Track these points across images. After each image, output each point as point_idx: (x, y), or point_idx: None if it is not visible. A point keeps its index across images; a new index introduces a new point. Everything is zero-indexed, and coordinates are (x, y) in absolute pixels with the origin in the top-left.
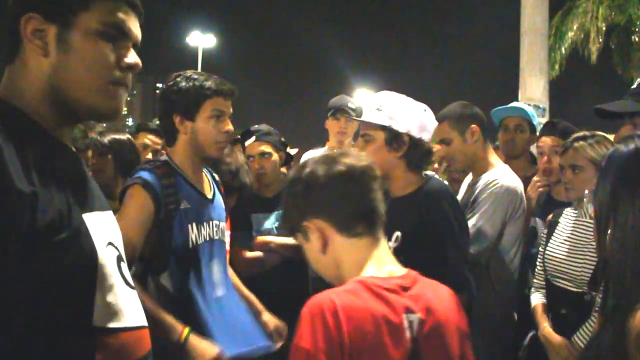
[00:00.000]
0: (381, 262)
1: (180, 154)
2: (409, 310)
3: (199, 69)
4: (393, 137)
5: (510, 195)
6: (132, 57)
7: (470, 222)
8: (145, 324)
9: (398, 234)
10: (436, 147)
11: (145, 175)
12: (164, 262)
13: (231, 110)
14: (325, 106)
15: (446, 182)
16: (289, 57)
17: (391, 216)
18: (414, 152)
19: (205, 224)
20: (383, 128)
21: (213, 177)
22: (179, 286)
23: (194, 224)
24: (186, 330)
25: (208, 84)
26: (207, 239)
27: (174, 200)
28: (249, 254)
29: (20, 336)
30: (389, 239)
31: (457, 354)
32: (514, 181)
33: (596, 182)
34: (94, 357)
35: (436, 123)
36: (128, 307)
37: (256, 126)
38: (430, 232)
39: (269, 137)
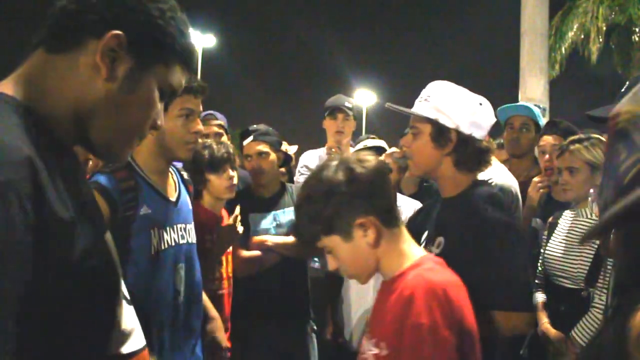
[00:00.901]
0: (416, 247)
1: (144, 155)
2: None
3: (199, 69)
4: (439, 132)
5: (504, 194)
6: (160, 120)
7: None
8: (145, 344)
9: (441, 239)
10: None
11: (101, 179)
12: (123, 272)
13: (201, 109)
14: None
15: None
16: (289, 57)
17: (437, 218)
18: (462, 150)
19: (169, 228)
20: (429, 121)
21: (181, 177)
22: (133, 293)
23: (155, 229)
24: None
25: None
26: (172, 243)
27: (132, 205)
28: (246, 254)
29: None
30: (432, 244)
31: None
32: (509, 180)
33: (601, 181)
34: None
35: (494, 119)
36: (133, 327)
37: (254, 126)
38: (472, 239)
39: (266, 137)
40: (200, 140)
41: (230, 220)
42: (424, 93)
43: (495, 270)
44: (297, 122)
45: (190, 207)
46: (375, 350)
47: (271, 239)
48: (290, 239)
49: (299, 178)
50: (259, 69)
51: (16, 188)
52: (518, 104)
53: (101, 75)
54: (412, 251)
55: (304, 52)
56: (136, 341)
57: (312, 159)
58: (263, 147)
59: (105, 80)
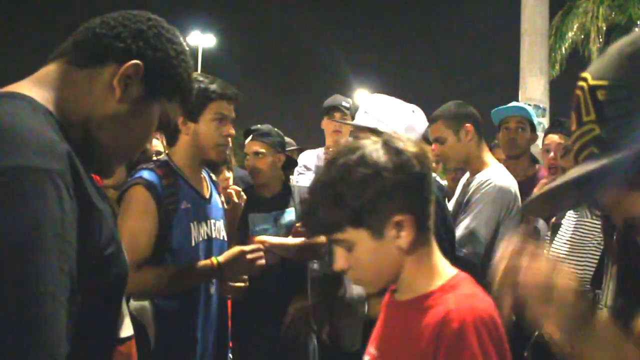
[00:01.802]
0: (445, 262)
1: (180, 155)
2: None
3: (199, 69)
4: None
5: (504, 195)
6: (151, 145)
7: (464, 224)
8: (133, 332)
9: None
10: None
11: (146, 175)
12: (159, 261)
13: (234, 114)
14: None
15: (445, 182)
16: (289, 57)
17: None
18: None
19: (203, 223)
20: (370, 130)
21: (210, 178)
22: None
23: (195, 223)
24: (214, 259)
25: (213, 87)
26: (205, 237)
27: (174, 200)
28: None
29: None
30: None
31: None
32: (508, 180)
33: None
34: None
35: (426, 124)
36: (127, 316)
37: (257, 126)
38: None
39: (265, 138)
40: None
41: (235, 199)
42: (363, 106)
43: None
44: (297, 122)
45: (221, 205)
46: None
47: (270, 240)
48: (290, 240)
49: (298, 178)
50: (259, 69)
51: (63, 176)
52: (512, 104)
53: (115, 96)
54: (444, 267)
55: (304, 52)
56: (129, 328)
57: (310, 158)
58: (260, 148)
59: (118, 101)
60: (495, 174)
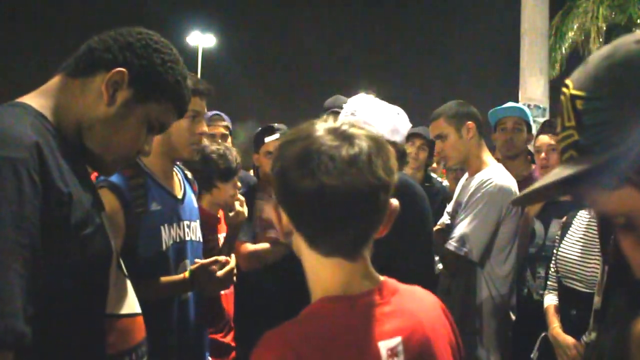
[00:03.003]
0: (350, 279)
1: (150, 154)
2: (388, 335)
3: (199, 69)
4: None
5: (504, 195)
6: (149, 147)
7: (464, 222)
8: (140, 311)
9: None
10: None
11: (112, 177)
12: (128, 266)
13: (206, 110)
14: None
15: (446, 182)
16: (289, 57)
17: None
18: None
19: (175, 224)
20: None
21: (185, 175)
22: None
23: (165, 225)
24: (186, 273)
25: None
26: (177, 240)
27: (142, 202)
28: (251, 247)
29: (45, 321)
30: None
31: None
32: (508, 180)
33: None
34: (105, 340)
35: (409, 125)
36: (127, 295)
37: (277, 125)
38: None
39: None
40: (211, 145)
41: (237, 207)
42: (349, 108)
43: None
44: (297, 122)
45: (196, 204)
46: None
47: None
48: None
49: None
50: (259, 69)
51: (26, 164)
52: (508, 105)
53: (103, 101)
54: (334, 287)
55: (304, 52)
56: (132, 306)
57: None
58: None
59: (106, 105)
60: (496, 174)
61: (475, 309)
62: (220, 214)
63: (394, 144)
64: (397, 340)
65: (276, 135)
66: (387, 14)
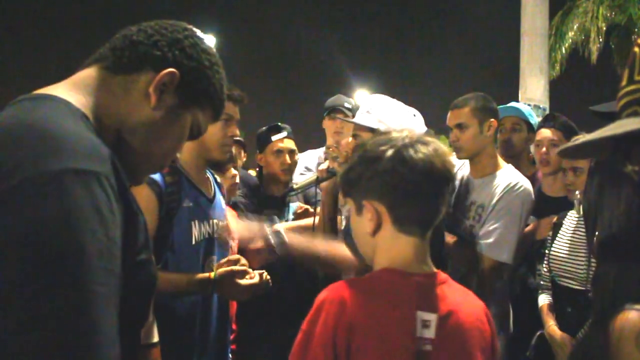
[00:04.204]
0: (416, 258)
1: (184, 154)
2: (423, 308)
3: None
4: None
5: (530, 198)
6: (180, 153)
7: (496, 226)
8: (158, 339)
9: None
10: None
11: None
12: (159, 258)
13: (239, 116)
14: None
15: None
16: (289, 57)
17: None
18: None
19: (205, 222)
20: (371, 130)
21: (215, 179)
22: None
23: (196, 222)
24: (212, 273)
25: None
26: (207, 236)
27: (176, 198)
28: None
29: None
30: None
31: None
32: (527, 182)
33: (586, 182)
34: None
35: (424, 129)
36: (154, 323)
37: (280, 124)
38: None
39: (292, 137)
40: None
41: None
42: (366, 106)
43: None
44: (297, 122)
45: (224, 206)
46: None
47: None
48: (297, 222)
49: (299, 179)
50: (259, 69)
51: (110, 179)
52: (507, 105)
53: (150, 103)
54: (400, 261)
55: (304, 52)
56: (156, 334)
57: (311, 159)
58: (294, 145)
59: (153, 108)
60: (520, 177)
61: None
62: (229, 212)
63: None
64: (432, 315)
65: (284, 134)
66: (387, 14)
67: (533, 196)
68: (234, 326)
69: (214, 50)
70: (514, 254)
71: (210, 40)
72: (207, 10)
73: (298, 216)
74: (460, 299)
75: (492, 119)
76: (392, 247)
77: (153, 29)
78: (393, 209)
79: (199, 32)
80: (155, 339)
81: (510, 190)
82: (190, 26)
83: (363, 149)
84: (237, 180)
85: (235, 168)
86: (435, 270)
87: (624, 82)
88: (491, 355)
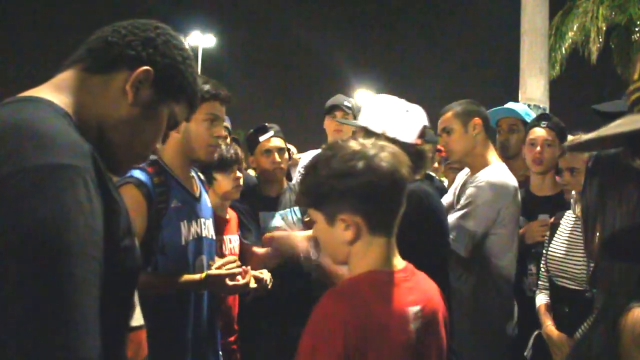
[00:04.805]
0: (389, 256)
1: (170, 153)
2: (412, 303)
3: (199, 69)
4: (369, 137)
5: (502, 192)
6: (160, 144)
7: (454, 216)
8: (143, 322)
9: None
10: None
11: (137, 173)
12: (149, 259)
13: (225, 117)
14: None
15: (446, 181)
16: (288, 57)
17: None
18: None
19: (193, 221)
20: (361, 128)
21: (199, 177)
22: None
23: (185, 222)
24: (202, 274)
25: (206, 87)
26: (195, 236)
27: (164, 199)
28: (260, 251)
29: None
30: None
31: (445, 341)
32: (508, 178)
33: (583, 183)
34: (125, 353)
35: (422, 123)
36: (138, 306)
37: (267, 124)
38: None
39: (281, 134)
40: None
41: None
42: (360, 106)
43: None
44: (297, 122)
45: (209, 204)
46: None
47: (278, 234)
48: (298, 233)
49: (300, 178)
50: (259, 69)
51: (90, 173)
52: (504, 106)
53: (127, 100)
54: (378, 262)
55: (304, 52)
56: (140, 318)
57: None
58: (282, 144)
59: (130, 104)
60: (496, 172)
61: (479, 308)
62: (230, 214)
63: (401, 143)
64: (417, 307)
65: (270, 133)
66: (387, 14)
67: (511, 190)
68: (235, 326)
69: (186, 45)
70: (466, 243)
71: (210, 40)
72: (207, 10)
73: (306, 225)
74: (428, 285)
75: (476, 118)
76: (368, 251)
77: (126, 29)
78: (369, 218)
79: (170, 30)
80: (141, 321)
81: (474, 183)
82: (162, 24)
83: (326, 164)
84: (241, 182)
85: (240, 170)
86: (404, 262)
87: (635, 76)
88: (449, 327)
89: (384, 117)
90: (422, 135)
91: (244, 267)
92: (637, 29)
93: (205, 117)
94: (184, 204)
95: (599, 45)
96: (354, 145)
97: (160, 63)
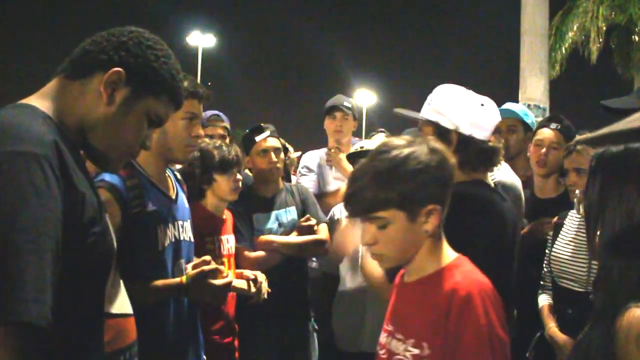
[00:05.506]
0: (449, 247)
1: (144, 154)
2: None
3: (199, 69)
4: (440, 134)
5: (513, 193)
6: (150, 141)
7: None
8: (132, 312)
9: None
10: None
11: (107, 177)
12: (125, 266)
13: (203, 115)
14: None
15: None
16: (289, 57)
17: None
18: (464, 150)
19: (170, 225)
20: (430, 123)
21: (175, 176)
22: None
23: (161, 226)
24: (184, 277)
25: (184, 84)
26: (173, 240)
27: (139, 202)
28: (253, 254)
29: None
30: None
31: None
32: (515, 179)
33: (586, 182)
34: (103, 338)
35: (498, 118)
36: (122, 295)
37: (263, 124)
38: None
39: (277, 135)
40: (208, 140)
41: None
42: (429, 97)
43: None
44: (297, 122)
45: (187, 205)
46: (416, 351)
47: (277, 239)
48: (294, 238)
49: (300, 179)
50: (259, 69)
51: (49, 160)
52: (502, 107)
53: (102, 101)
54: (448, 250)
55: (304, 52)
56: (125, 306)
57: (312, 160)
58: (278, 144)
59: (106, 104)
60: (504, 173)
61: None
62: (227, 215)
63: (471, 139)
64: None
65: (266, 133)
66: (387, 14)
67: (517, 190)
68: (236, 326)
69: (162, 45)
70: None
71: (210, 40)
72: (207, 10)
73: (300, 229)
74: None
75: None
76: (442, 239)
77: (102, 37)
78: (445, 207)
79: (146, 33)
80: (126, 310)
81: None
82: (137, 29)
83: (405, 162)
84: (240, 185)
85: (240, 172)
86: None
87: None
88: None
89: (458, 112)
90: (496, 131)
91: (219, 266)
92: (637, 29)
93: (183, 116)
94: (160, 207)
95: (599, 45)
96: (402, 142)
97: (133, 63)
